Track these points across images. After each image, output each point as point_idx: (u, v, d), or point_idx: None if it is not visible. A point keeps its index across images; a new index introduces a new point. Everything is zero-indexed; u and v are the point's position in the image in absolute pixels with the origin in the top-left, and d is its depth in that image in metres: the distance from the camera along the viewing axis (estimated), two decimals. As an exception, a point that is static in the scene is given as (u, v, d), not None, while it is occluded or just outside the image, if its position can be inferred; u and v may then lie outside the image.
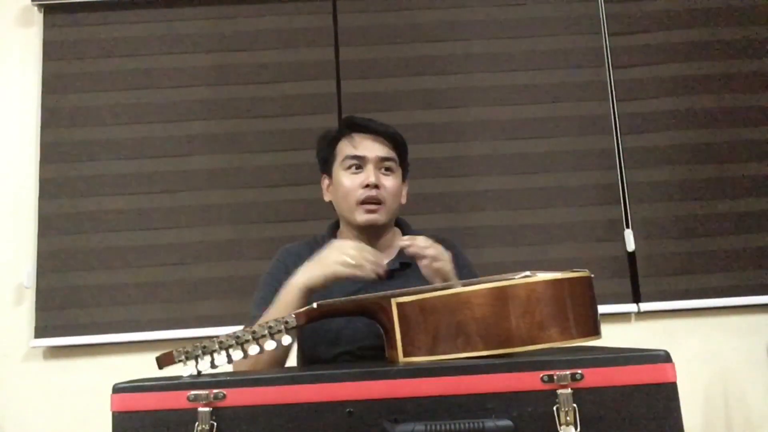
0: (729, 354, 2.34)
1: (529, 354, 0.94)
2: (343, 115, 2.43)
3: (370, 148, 1.40)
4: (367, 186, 1.37)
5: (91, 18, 2.54)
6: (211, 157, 2.46)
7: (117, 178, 2.44)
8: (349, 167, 1.40)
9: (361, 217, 1.38)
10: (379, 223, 1.40)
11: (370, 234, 1.42)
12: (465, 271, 1.43)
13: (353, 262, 1.20)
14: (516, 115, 2.49)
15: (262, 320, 1.27)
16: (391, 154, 1.42)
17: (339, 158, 1.43)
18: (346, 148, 1.42)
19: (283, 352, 1.26)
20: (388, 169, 1.41)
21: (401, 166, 1.45)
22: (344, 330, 1.34)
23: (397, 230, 1.50)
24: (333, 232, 1.49)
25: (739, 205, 2.42)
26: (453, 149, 2.46)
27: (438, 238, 1.52)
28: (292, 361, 1.47)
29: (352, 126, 1.44)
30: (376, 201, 1.38)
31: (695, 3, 2.55)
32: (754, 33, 2.53)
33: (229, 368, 1.02)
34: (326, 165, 1.47)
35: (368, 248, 1.24)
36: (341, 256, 1.21)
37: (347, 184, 1.39)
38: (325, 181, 1.48)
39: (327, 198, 1.48)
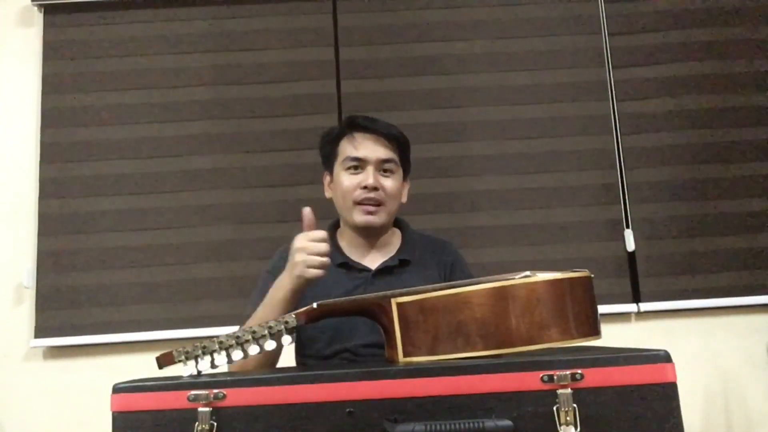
0: (729, 354, 2.34)
1: (529, 354, 0.94)
2: (344, 115, 2.43)
3: (371, 149, 1.39)
4: (366, 188, 1.37)
5: (91, 18, 2.54)
6: (212, 157, 2.46)
7: (117, 178, 2.44)
8: (349, 168, 1.40)
9: (360, 217, 1.39)
10: (377, 225, 1.40)
11: (369, 234, 1.43)
12: (463, 276, 1.42)
13: (317, 262, 1.20)
14: (516, 115, 2.49)
15: (250, 321, 1.29)
16: (392, 155, 1.41)
17: (340, 158, 1.43)
18: (346, 148, 1.41)
19: (274, 353, 1.26)
20: (388, 170, 1.41)
21: (402, 166, 1.45)
22: (343, 327, 1.34)
23: (396, 230, 1.50)
24: (333, 231, 1.49)
25: (739, 205, 2.42)
26: (453, 149, 2.46)
27: (439, 242, 1.52)
28: (291, 360, 1.48)
29: (354, 125, 1.43)
30: (375, 203, 1.38)
31: (695, 3, 2.55)
32: (754, 33, 2.53)
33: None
34: (328, 162, 1.47)
35: (317, 237, 1.22)
36: (309, 259, 1.20)
37: (346, 184, 1.39)
38: (327, 178, 1.49)
39: (328, 194, 1.49)
